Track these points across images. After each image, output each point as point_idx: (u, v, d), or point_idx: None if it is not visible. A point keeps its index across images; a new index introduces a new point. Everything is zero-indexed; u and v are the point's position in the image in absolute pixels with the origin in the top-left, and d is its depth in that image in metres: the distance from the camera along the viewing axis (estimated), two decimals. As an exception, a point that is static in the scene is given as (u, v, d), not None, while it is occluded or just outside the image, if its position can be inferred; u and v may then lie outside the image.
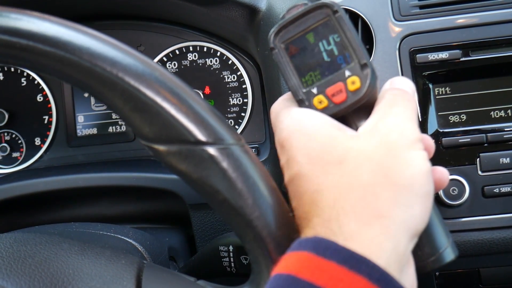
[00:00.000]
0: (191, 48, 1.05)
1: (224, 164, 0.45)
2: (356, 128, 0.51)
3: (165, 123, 0.44)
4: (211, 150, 0.45)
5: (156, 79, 0.45)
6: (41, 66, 0.45)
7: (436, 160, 0.77)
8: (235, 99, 1.03)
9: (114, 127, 1.06)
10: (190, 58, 1.05)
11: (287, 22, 0.53)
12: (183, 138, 0.45)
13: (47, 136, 1.06)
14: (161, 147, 0.45)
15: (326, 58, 0.52)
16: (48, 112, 1.06)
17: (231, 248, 0.66)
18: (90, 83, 0.45)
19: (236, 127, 1.03)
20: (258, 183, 0.46)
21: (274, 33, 0.54)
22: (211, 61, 1.04)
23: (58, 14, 1.00)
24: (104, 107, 1.06)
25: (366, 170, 0.46)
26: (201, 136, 0.45)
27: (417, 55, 0.80)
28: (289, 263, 0.42)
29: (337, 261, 0.41)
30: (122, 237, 0.72)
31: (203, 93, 1.03)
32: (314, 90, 0.52)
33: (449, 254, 0.52)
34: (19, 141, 1.06)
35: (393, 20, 0.82)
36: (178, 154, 0.45)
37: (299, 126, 0.50)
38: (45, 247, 0.53)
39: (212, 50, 1.04)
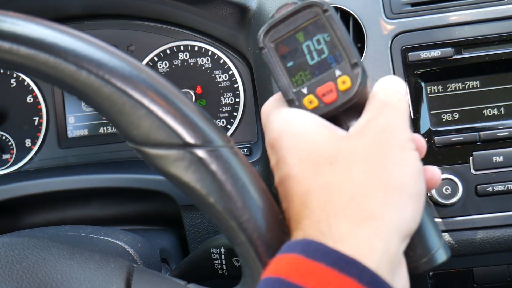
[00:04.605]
0: (182, 48, 1.04)
1: (213, 166, 0.44)
2: (347, 128, 0.51)
3: (153, 125, 0.44)
4: (200, 153, 0.44)
5: (143, 80, 0.44)
6: (26, 69, 0.44)
7: (428, 159, 0.77)
8: (227, 98, 1.03)
9: (105, 128, 1.05)
10: (181, 57, 1.04)
11: (277, 21, 0.53)
12: (171, 141, 0.44)
13: (37, 138, 1.05)
14: (149, 150, 0.45)
15: (316, 57, 0.51)
16: (39, 113, 1.06)
17: (222, 250, 0.65)
18: (76, 85, 0.44)
19: (228, 126, 1.02)
20: (247, 186, 0.45)
21: (264, 32, 0.53)
22: (202, 61, 1.03)
23: (48, 14, 1.00)
24: (95, 108, 1.05)
25: (356, 170, 0.45)
26: (189, 139, 0.44)
27: (409, 53, 0.79)
28: (279, 266, 0.42)
29: (327, 264, 0.40)
30: (113, 240, 0.72)
31: (194, 93, 1.03)
32: (304, 90, 0.52)
33: (441, 255, 0.51)
34: (9, 143, 1.05)
35: (385, 18, 0.81)
36: (166, 157, 0.44)
37: (289, 126, 0.49)
38: (33, 252, 0.53)
39: (204, 49, 1.03)
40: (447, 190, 0.76)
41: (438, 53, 0.79)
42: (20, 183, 0.94)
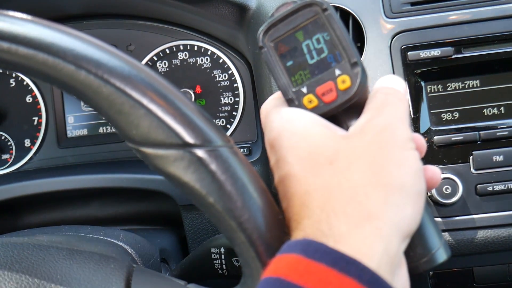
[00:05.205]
0: (181, 47, 1.04)
1: (213, 166, 0.44)
2: (346, 128, 0.51)
3: (152, 125, 0.44)
4: (199, 153, 0.44)
5: (142, 80, 0.44)
6: (25, 69, 0.44)
7: (428, 158, 0.77)
8: (226, 98, 1.03)
9: (104, 128, 1.05)
10: (180, 57, 1.04)
11: (276, 21, 0.52)
12: (171, 141, 0.44)
13: (37, 138, 1.05)
14: (148, 150, 0.44)
15: (315, 56, 0.51)
16: (38, 113, 1.05)
17: (222, 250, 0.65)
18: (75, 85, 0.44)
19: (228, 126, 1.02)
20: (247, 185, 0.45)
21: (263, 31, 0.53)
22: (202, 60, 1.03)
23: (47, 14, 1.00)
24: (95, 108, 1.05)
25: (356, 170, 0.45)
26: (188, 138, 0.44)
27: (409, 53, 0.79)
28: (278, 266, 0.42)
29: (327, 263, 0.40)
30: (112, 240, 0.72)
31: (194, 93, 1.02)
32: (304, 89, 0.51)
33: (441, 255, 0.51)
34: (9, 143, 1.05)
35: (384, 17, 0.81)
36: (166, 157, 0.44)
37: (289, 126, 0.49)
38: (33, 252, 0.53)
39: (203, 49, 1.03)
40: (447, 190, 0.76)
41: (438, 52, 0.79)
42: (20, 183, 0.94)
